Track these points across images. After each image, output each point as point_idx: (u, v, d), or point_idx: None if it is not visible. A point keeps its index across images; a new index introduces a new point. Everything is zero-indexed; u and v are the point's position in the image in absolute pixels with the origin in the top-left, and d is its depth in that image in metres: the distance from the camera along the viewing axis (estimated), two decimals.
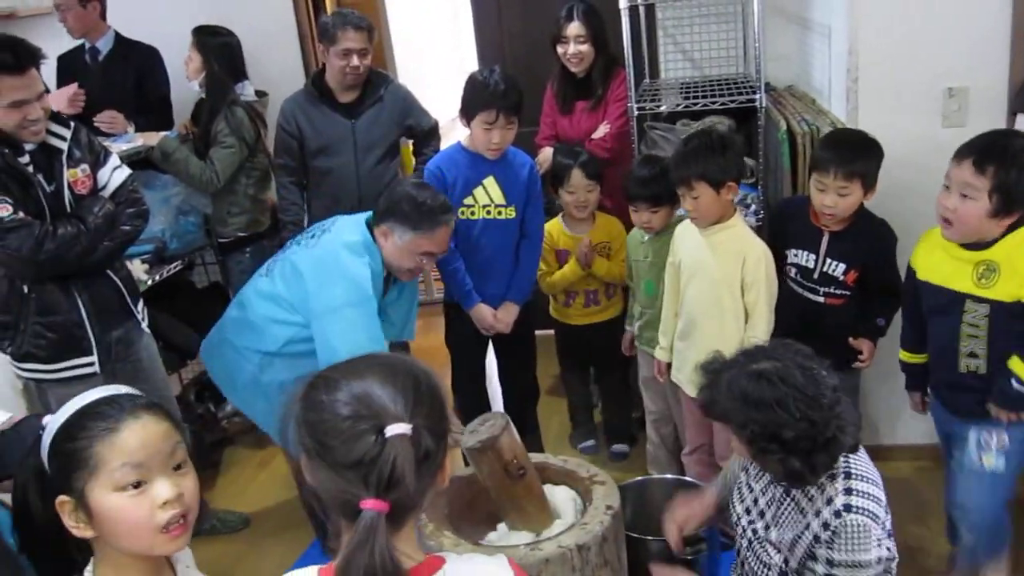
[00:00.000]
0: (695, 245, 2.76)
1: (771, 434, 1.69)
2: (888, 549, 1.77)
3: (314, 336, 2.59)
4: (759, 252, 2.66)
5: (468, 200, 3.06)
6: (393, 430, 1.11)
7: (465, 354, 3.29)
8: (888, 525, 1.81)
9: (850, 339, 2.79)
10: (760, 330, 2.65)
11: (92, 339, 2.70)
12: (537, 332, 3.40)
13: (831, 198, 2.63)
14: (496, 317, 3.13)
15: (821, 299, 2.80)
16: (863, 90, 2.93)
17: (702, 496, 2.24)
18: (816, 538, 1.79)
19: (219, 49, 3.69)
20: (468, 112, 2.96)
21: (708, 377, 1.83)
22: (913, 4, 2.83)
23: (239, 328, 2.79)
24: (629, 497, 2.41)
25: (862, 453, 1.86)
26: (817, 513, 1.80)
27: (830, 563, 1.76)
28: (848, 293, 2.77)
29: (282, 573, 2.87)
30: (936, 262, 2.41)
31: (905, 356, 2.66)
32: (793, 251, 2.83)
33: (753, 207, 3.26)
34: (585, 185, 3.17)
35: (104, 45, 4.06)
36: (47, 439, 1.31)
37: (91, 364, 2.70)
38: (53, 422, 1.32)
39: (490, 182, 3.06)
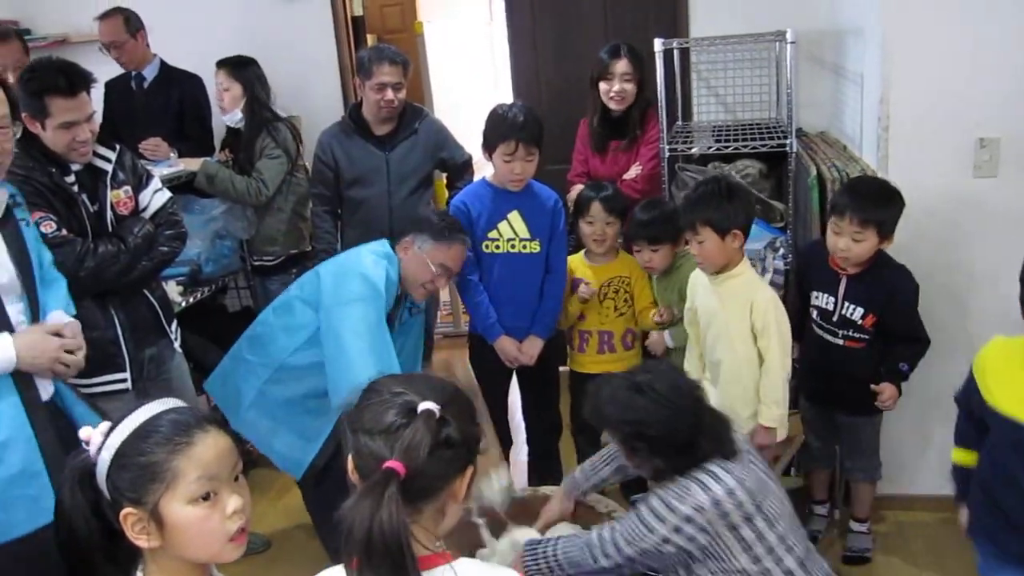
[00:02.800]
0: (706, 293, 2.77)
1: (638, 433, 1.94)
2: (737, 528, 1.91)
3: (321, 329, 2.65)
4: (766, 297, 2.67)
5: (492, 234, 3.10)
6: (424, 406, 1.28)
7: (489, 385, 3.31)
8: (700, 520, 1.89)
9: (872, 386, 2.78)
10: (775, 373, 2.65)
11: (126, 356, 2.75)
12: (561, 368, 3.41)
13: (844, 242, 2.65)
14: (520, 350, 3.15)
15: (840, 342, 2.81)
16: (894, 138, 2.94)
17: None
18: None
19: (256, 77, 3.79)
20: (489, 145, 3.01)
21: (596, 388, 2.05)
22: (946, 54, 2.85)
23: (251, 343, 2.89)
24: None
25: (738, 459, 1.97)
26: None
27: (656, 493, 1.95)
28: (867, 337, 2.78)
29: None
30: (1020, 388, 1.99)
31: (960, 457, 2.26)
32: (815, 293, 2.86)
33: (782, 251, 3.28)
34: (604, 218, 3.13)
35: (150, 72, 4.18)
36: (108, 454, 1.29)
37: (124, 380, 2.75)
38: (114, 437, 1.30)
39: (515, 216, 3.10)
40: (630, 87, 3.51)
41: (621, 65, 3.49)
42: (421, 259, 2.76)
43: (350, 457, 1.33)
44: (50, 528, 2.08)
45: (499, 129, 2.97)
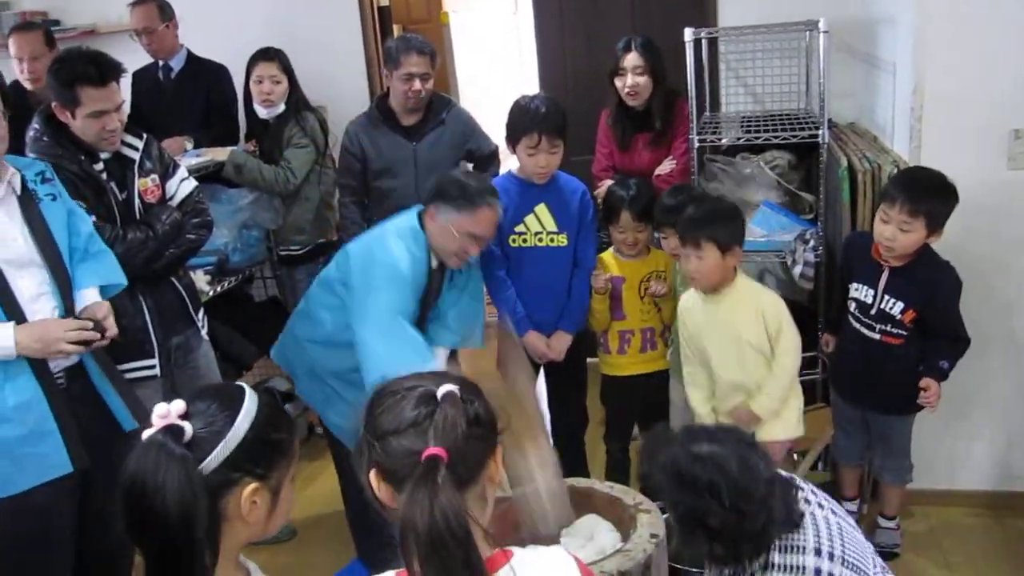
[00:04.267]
0: (703, 315, 2.74)
1: (698, 519, 1.68)
2: None
3: (350, 313, 2.64)
4: (771, 299, 2.68)
5: (519, 228, 3.08)
6: (443, 390, 1.25)
7: None
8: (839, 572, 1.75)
9: (923, 378, 2.72)
10: (784, 376, 2.66)
11: (155, 343, 2.78)
12: (589, 360, 3.39)
13: (891, 231, 2.61)
14: (549, 346, 3.13)
15: (877, 336, 2.77)
16: (927, 129, 2.90)
17: None
18: None
19: (291, 68, 3.79)
20: (512, 138, 2.99)
21: (649, 450, 1.83)
22: (980, 44, 2.81)
23: (299, 319, 2.90)
24: (675, 528, 2.39)
25: (805, 522, 1.79)
26: None
27: None
28: (905, 334, 2.73)
29: None
30: None
31: None
32: (854, 285, 2.82)
33: (812, 242, 3.24)
34: (634, 226, 3.07)
35: (177, 63, 4.19)
36: (239, 431, 1.29)
37: (152, 367, 2.78)
38: (244, 418, 1.31)
39: (541, 209, 3.08)
40: (643, 80, 3.46)
41: (631, 59, 3.45)
42: (446, 229, 2.69)
43: (372, 474, 1.26)
44: (57, 482, 2.18)
45: (521, 122, 2.95)
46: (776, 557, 1.74)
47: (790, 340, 2.66)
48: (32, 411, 2.17)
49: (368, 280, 2.63)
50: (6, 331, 2.12)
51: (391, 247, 2.67)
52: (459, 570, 1.15)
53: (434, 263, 2.75)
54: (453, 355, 3.05)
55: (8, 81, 4.14)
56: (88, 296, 2.34)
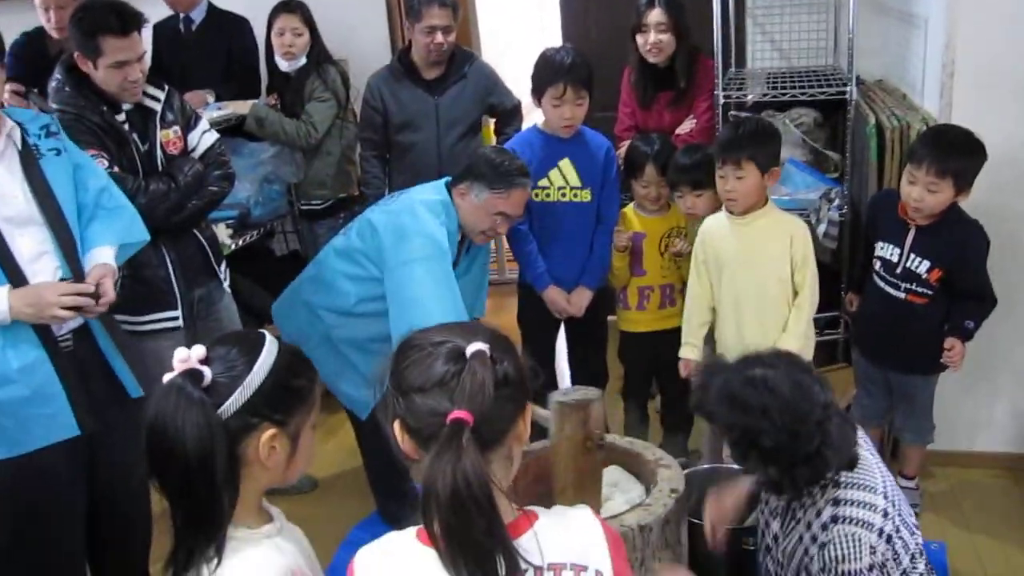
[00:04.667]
0: (730, 239, 2.71)
1: (751, 440, 1.70)
2: (885, 555, 1.72)
3: (387, 290, 2.60)
4: (803, 229, 2.66)
5: (543, 182, 3.06)
6: (473, 348, 1.20)
7: (537, 335, 3.27)
8: (888, 529, 1.74)
9: (947, 338, 2.70)
10: (806, 308, 2.64)
11: (178, 294, 2.78)
12: (609, 317, 3.39)
13: (919, 191, 2.58)
14: (569, 301, 3.13)
15: (902, 295, 2.75)
16: (959, 86, 2.84)
17: (734, 491, 2.18)
18: (807, 552, 1.77)
19: (313, 21, 3.76)
20: (537, 90, 2.96)
21: (704, 377, 1.84)
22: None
23: (314, 286, 2.84)
24: (696, 484, 2.40)
25: (863, 464, 1.80)
26: (808, 527, 1.79)
27: (823, 573, 1.73)
28: (931, 293, 2.71)
29: (346, 536, 2.95)
30: None
31: None
32: (880, 244, 2.79)
33: (837, 201, 3.20)
34: (658, 180, 3.06)
35: (198, 15, 4.16)
36: (258, 377, 1.30)
37: (175, 319, 2.78)
38: (264, 361, 1.32)
39: (565, 164, 3.06)
40: (666, 37, 3.37)
41: (655, 15, 3.35)
42: (479, 207, 2.69)
43: (396, 425, 1.24)
44: (64, 444, 2.15)
45: (547, 72, 2.92)
46: (846, 493, 1.74)
47: (810, 270, 2.64)
48: (36, 373, 2.11)
49: (407, 253, 2.59)
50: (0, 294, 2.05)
51: (425, 222, 2.64)
52: (480, 536, 1.13)
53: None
54: None
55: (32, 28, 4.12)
56: (98, 255, 2.24)
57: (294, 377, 1.37)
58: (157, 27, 4.11)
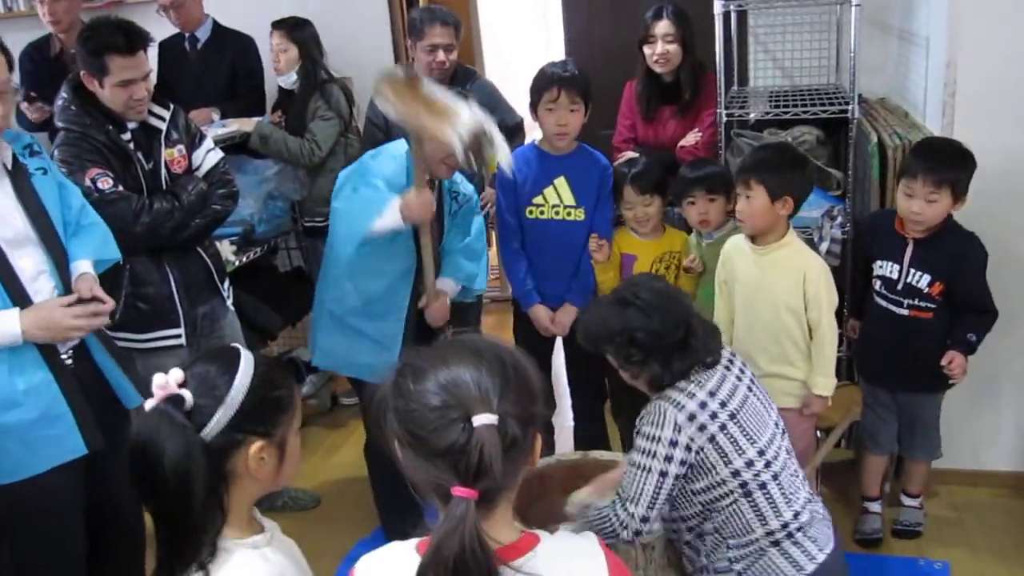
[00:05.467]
0: (749, 265, 2.70)
1: (628, 340, 1.95)
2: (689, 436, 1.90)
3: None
4: (817, 266, 2.63)
5: (538, 199, 3.06)
6: (480, 420, 1.13)
7: (532, 351, 3.26)
8: (701, 419, 1.91)
9: (946, 352, 2.69)
10: (827, 345, 2.61)
11: (180, 312, 2.79)
12: None
13: (918, 204, 2.58)
14: (553, 320, 3.12)
15: (906, 312, 2.74)
16: (960, 104, 2.86)
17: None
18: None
19: (312, 38, 3.79)
20: (533, 99, 2.98)
21: (581, 314, 2.12)
22: (1016, 18, 2.76)
23: (324, 262, 2.95)
24: None
25: (714, 370, 1.99)
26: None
27: (637, 435, 1.97)
28: (934, 307, 2.70)
29: (347, 553, 2.95)
30: None
31: None
32: (879, 263, 2.79)
33: (839, 219, 3.20)
34: (640, 200, 3.01)
35: (203, 33, 4.19)
36: (238, 394, 1.32)
37: (178, 336, 2.80)
38: (241, 378, 1.33)
39: (561, 182, 3.05)
40: (673, 48, 3.41)
41: (663, 26, 3.39)
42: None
43: (396, 440, 1.21)
44: (70, 464, 2.16)
45: (543, 80, 2.94)
46: (682, 383, 1.96)
47: (824, 308, 2.60)
48: (43, 394, 2.11)
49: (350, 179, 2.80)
50: (11, 317, 2.05)
51: (391, 151, 2.85)
52: None
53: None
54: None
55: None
56: (80, 267, 2.26)
57: (274, 388, 1.38)
58: (163, 44, 4.14)
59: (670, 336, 1.93)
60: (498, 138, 2.49)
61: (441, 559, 1.12)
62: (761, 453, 1.93)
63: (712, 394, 1.93)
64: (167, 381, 1.30)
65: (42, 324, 2.08)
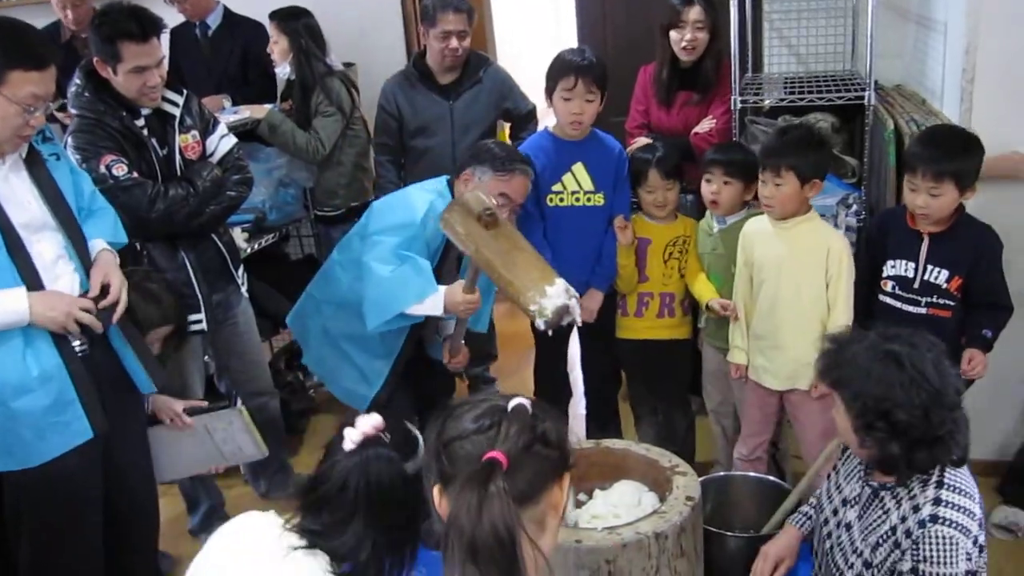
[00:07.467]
0: (771, 243, 2.68)
1: (883, 411, 1.68)
2: (977, 564, 1.72)
3: (361, 254, 2.70)
4: (841, 242, 2.62)
5: (556, 187, 3.05)
6: (514, 403, 1.24)
7: (549, 339, 3.28)
8: (981, 540, 1.75)
9: (964, 351, 2.59)
10: (842, 322, 2.59)
11: (200, 298, 2.80)
12: None
13: (923, 199, 2.51)
14: (581, 306, 3.11)
15: (924, 310, 2.62)
16: (979, 91, 2.82)
17: (789, 537, 2.16)
18: (897, 544, 1.75)
19: (305, 29, 3.75)
20: (549, 85, 2.95)
21: (834, 344, 1.82)
22: None
23: (317, 280, 2.97)
24: (711, 492, 2.39)
25: (965, 470, 1.79)
26: (903, 519, 1.76)
27: (914, 573, 1.72)
28: (953, 304, 2.60)
29: None
30: None
31: None
32: (891, 263, 2.68)
33: (854, 207, 3.18)
34: (663, 184, 3.02)
35: (213, 20, 4.18)
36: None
37: (200, 321, 2.81)
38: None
39: (579, 168, 3.04)
40: (703, 35, 3.35)
41: (694, 12, 3.33)
42: (481, 188, 2.68)
43: (436, 489, 1.24)
44: (81, 447, 2.18)
45: (560, 67, 2.92)
46: (949, 495, 1.72)
47: (843, 285, 2.60)
48: (55, 380, 2.13)
49: (382, 223, 2.71)
50: (19, 295, 2.05)
51: (412, 197, 2.76)
52: None
53: None
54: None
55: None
56: (97, 245, 2.28)
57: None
58: (174, 31, 4.13)
59: (932, 430, 1.67)
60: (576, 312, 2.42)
61: (456, 526, 1.13)
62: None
63: (981, 507, 1.70)
64: (369, 426, 1.50)
65: (50, 304, 2.08)
